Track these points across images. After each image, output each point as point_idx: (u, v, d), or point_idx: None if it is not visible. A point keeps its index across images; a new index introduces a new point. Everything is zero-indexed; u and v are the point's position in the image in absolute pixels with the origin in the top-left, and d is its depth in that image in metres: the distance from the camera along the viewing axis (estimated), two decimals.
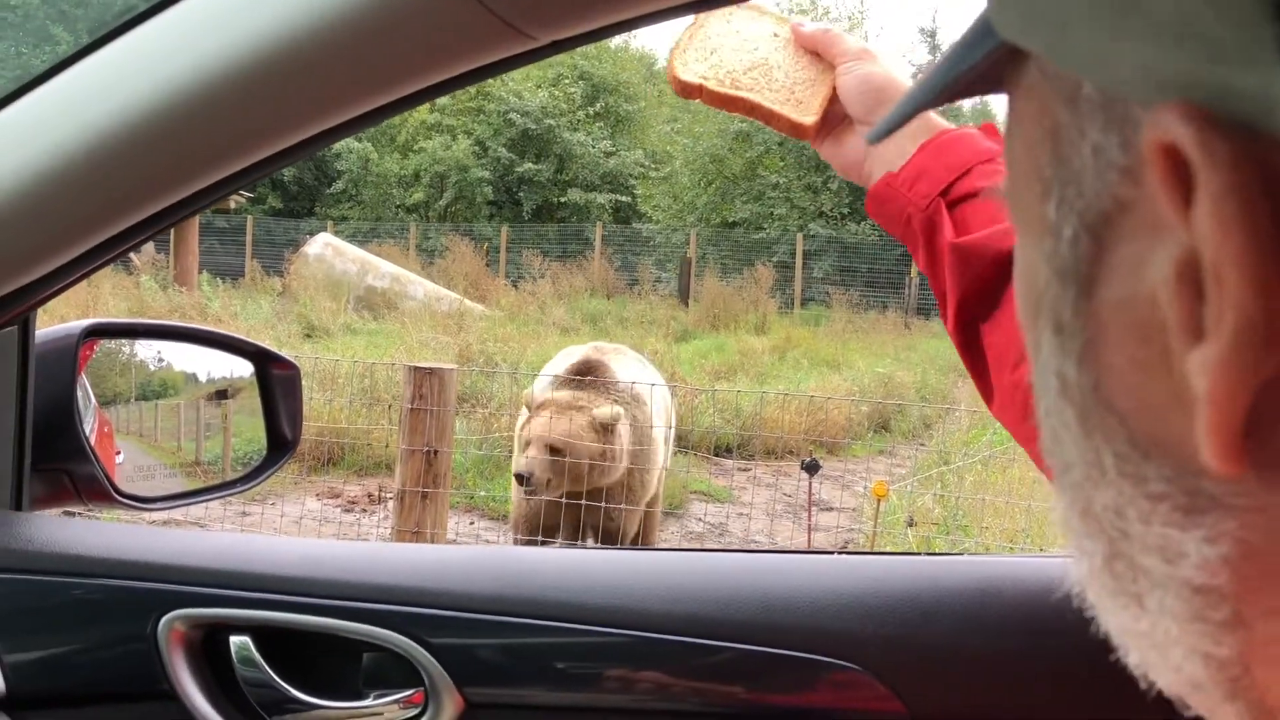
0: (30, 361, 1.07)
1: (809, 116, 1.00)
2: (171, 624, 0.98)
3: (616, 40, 35.24)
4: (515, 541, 4.73)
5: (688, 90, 1.03)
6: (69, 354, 1.13)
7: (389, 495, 5.60)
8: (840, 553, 1.03)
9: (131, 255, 20.11)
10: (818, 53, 1.01)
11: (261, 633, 1.00)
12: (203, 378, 1.62)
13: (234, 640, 0.99)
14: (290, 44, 0.79)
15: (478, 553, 1.09)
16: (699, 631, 0.95)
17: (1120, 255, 0.30)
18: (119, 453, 1.47)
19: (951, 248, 0.88)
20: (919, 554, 1.07)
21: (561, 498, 4.28)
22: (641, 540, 5.08)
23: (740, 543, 6.28)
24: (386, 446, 7.03)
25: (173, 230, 19.76)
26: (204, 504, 1.58)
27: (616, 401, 4.39)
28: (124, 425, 1.54)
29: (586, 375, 4.49)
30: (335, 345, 13.05)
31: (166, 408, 1.61)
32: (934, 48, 28.17)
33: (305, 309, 15.41)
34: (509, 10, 0.76)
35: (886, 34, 47.05)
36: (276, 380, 1.35)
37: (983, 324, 0.88)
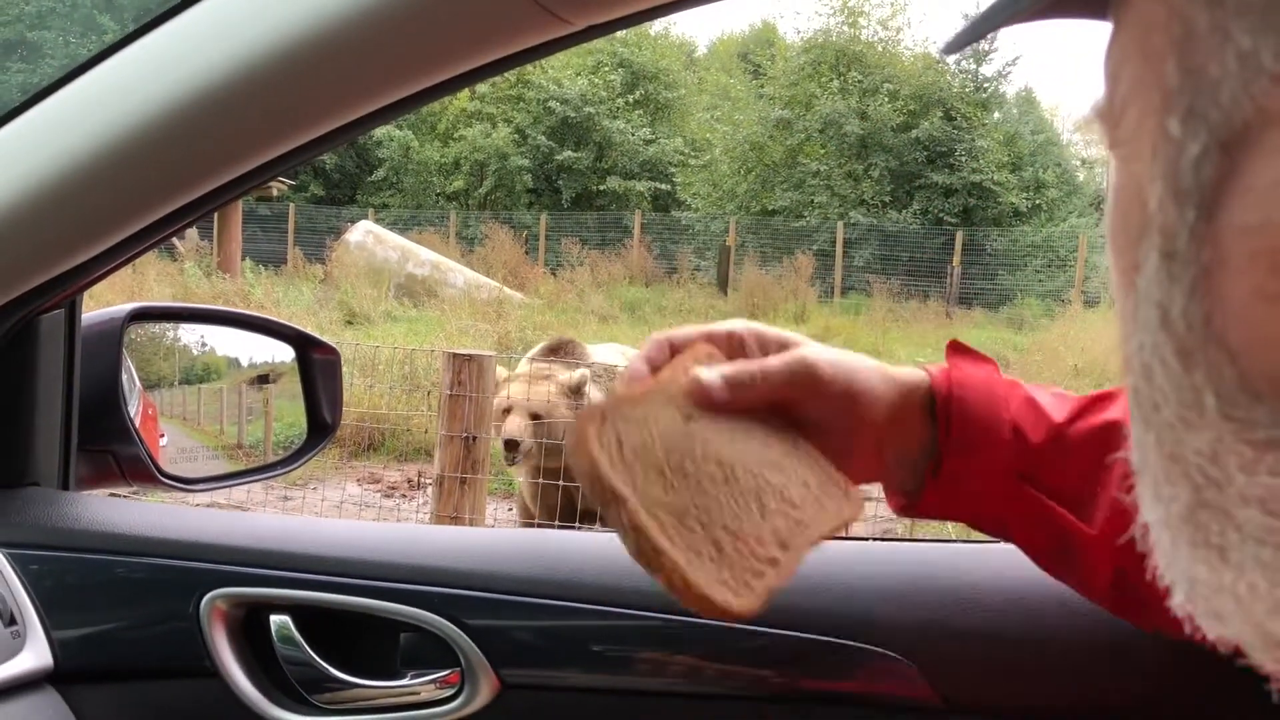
0: (77, 344, 1.09)
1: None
2: (214, 602, 1.00)
3: (656, 27, 35.14)
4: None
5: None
6: (114, 337, 1.15)
7: (428, 481, 5.64)
8: (876, 539, 1.03)
9: (176, 242, 20.38)
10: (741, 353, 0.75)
11: (301, 612, 1.01)
12: (245, 362, 1.64)
13: (274, 619, 1.01)
14: (331, 30, 0.80)
15: (513, 535, 1.10)
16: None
17: (1257, 174, 0.27)
18: (163, 435, 1.50)
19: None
20: (955, 540, 1.06)
21: (556, 479, 4.28)
22: None
23: None
24: (426, 432, 7.09)
25: (216, 217, 20.00)
26: (245, 486, 1.60)
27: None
28: (168, 408, 1.57)
29: (558, 353, 4.52)
30: (376, 332, 13.17)
31: (209, 391, 1.64)
32: None
33: (346, 296, 15.55)
34: None
35: (929, 20, 46.42)
36: (317, 364, 1.37)
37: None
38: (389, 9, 0.78)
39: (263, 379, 1.64)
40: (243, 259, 19.57)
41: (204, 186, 0.89)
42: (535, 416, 4.14)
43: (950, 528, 5.48)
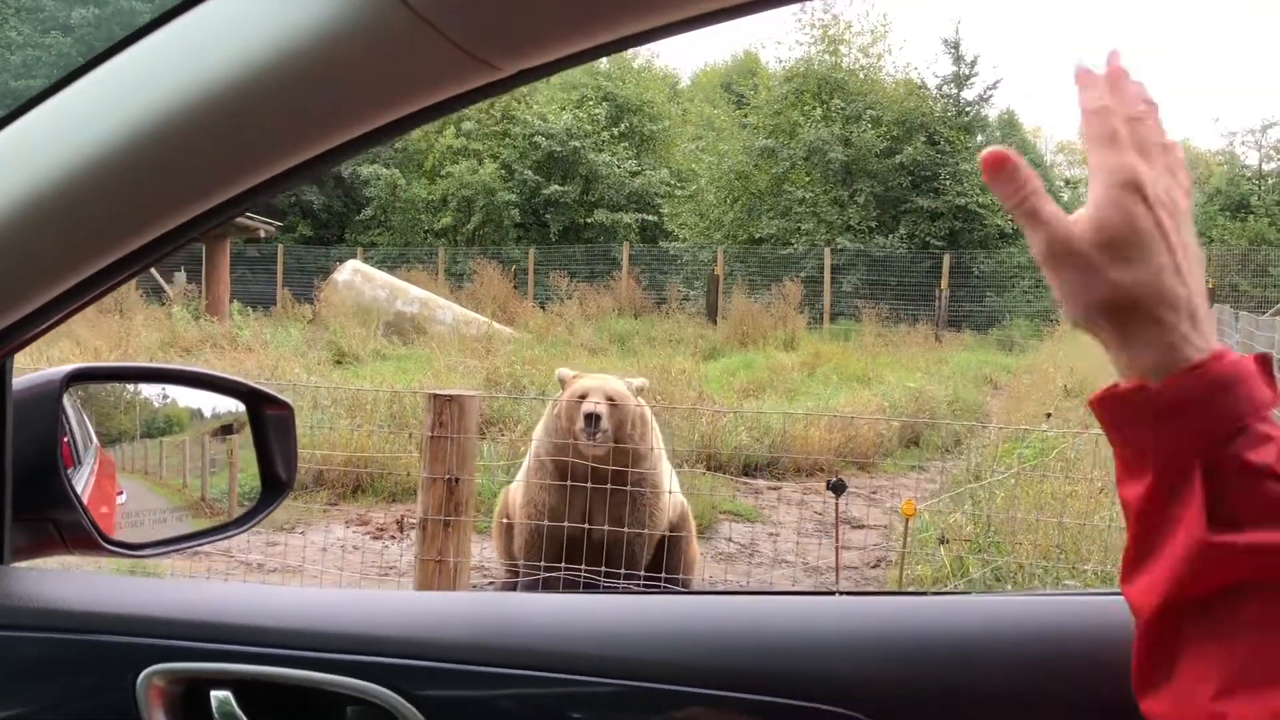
0: (8, 409, 1.05)
1: None
2: (150, 679, 0.95)
3: (639, 60, 35.41)
4: (516, 571, 4.79)
5: None
6: (51, 400, 1.10)
7: (413, 521, 5.60)
8: (839, 593, 0.99)
9: (164, 285, 20.36)
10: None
11: (243, 687, 0.97)
12: (208, 414, 1.60)
13: (215, 695, 0.96)
14: (253, 82, 0.76)
15: (461, 600, 1.06)
16: (690, 680, 0.91)
17: None
18: (121, 493, 1.45)
19: (1203, 544, 0.70)
20: (922, 593, 1.02)
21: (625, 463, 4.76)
22: (682, 572, 5.11)
23: (770, 562, 6.21)
24: (408, 474, 7.03)
25: (204, 260, 19.98)
26: (196, 549, 1.56)
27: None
28: (128, 464, 1.52)
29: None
30: (365, 371, 13.12)
31: (171, 445, 1.59)
32: (958, 58, 28.02)
33: (335, 336, 15.51)
34: (473, 43, 0.74)
35: (909, 47, 46.87)
36: (270, 420, 1.33)
37: (1193, 623, 0.71)
38: (319, 59, 0.75)
39: (226, 430, 1.60)
40: (231, 301, 19.55)
41: (131, 244, 0.86)
42: (610, 400, 4.77)
43: (945, 560, 5.43)
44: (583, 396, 4.81)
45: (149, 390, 1.56)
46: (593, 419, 4.69)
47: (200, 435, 1.61)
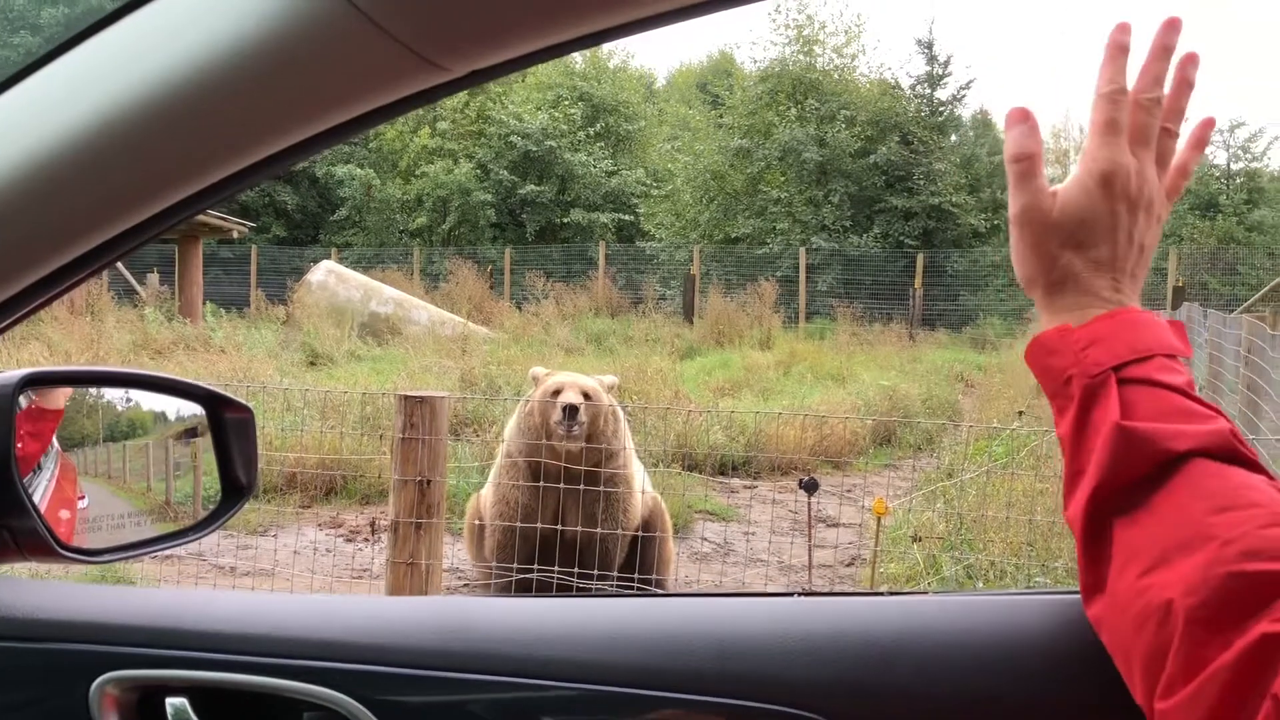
0: None
1: None
2: (104, 688, 0.94)
3: (615, 60, 35.40)
4: (489, 573, 4.79)
5: None
6: (4, 406, 1.09)
7: (385, 524, 5.58)
8: (800, 594, 0.99)
9: (137, 287, 20.14)
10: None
11: (199, 694, 0.96)
12: (172, 417, 1.58)
13: (170, 703, 0.95)
14: (197, 83, 0.75)
15: (423, 604, 1.05)
16: (653, 683, 0.90)
17: None
18: (83, 497, 1.43)
19: (1118, 428, 0.79)
20: (881, 593, 1.02)
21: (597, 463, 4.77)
22: (656, 572, 5.11)
23: (745, 561, 6.22)
24: (380, 476, 7.00)
25: (177, 261, 19.79)
26: (155, 555, 1.54)
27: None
28: (89, 468, 1.50)
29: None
30: (339, 372, 13.04)
31: (135, 448, 1.57)
32: (931, 59, 28.17)
33: (309, 337, 15.41)
34: (423, 44, 0.73)
35: (883, 47, 47.05)
36: (230, 424, 1.31)
37: (1118, 517, 0.79)
38: (264, 59, 0.74)
39: (190, 433, 1.58)
40: (204, 303, 19.39)
41: (73, 251, 0.84)
42: (585, 396, 4.83)
43: (919, 558, 5.46)
44: (557, 392, 4.86)
45: (111, 394, 1.55)
46: (570, 410, 4.73)
47: (164, 438, 1.60)
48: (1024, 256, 0.89)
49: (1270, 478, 0.79)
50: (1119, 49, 0.86)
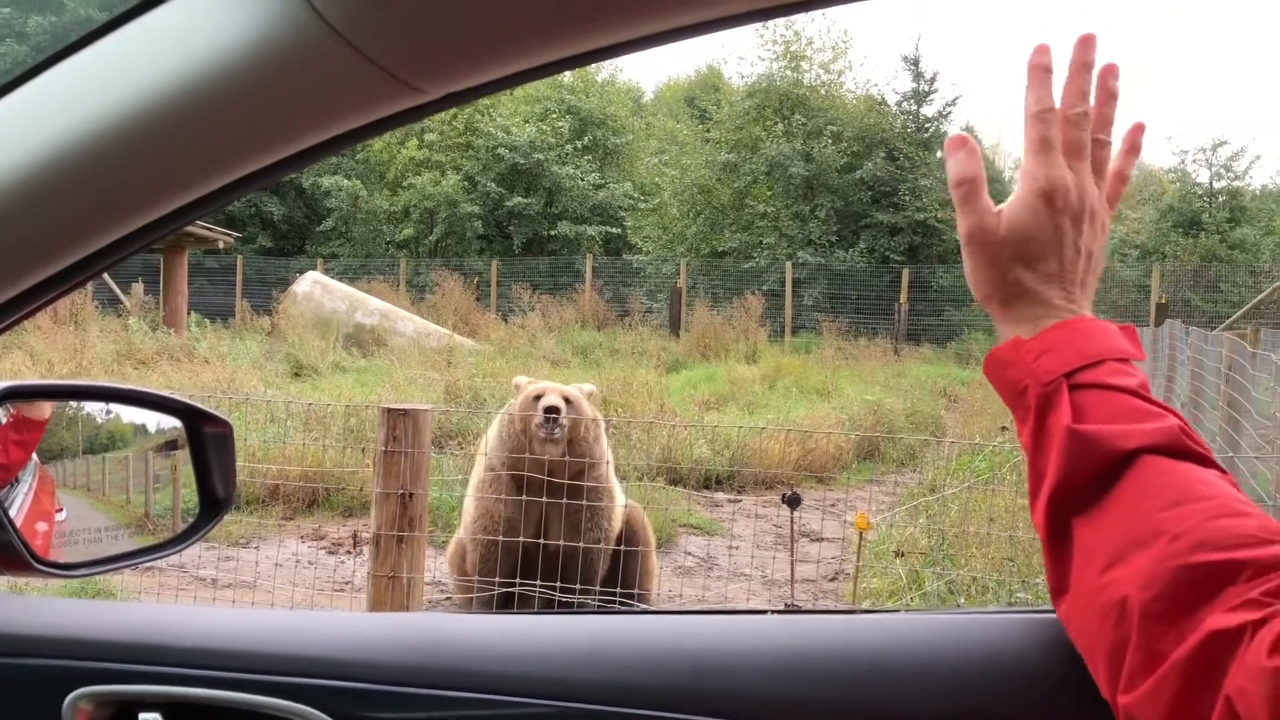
0: None
1: None
2: (77, 703, 0.94)
3: (604, 74, 35.44)
4: (470, 589, 4.78)
5: None
6: None
7: (366, 536, 5.57)
8: (775, 611, 1.00)
9: (121, 296, 20.04)
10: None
11: (173, 710, 0.96)
12: (151, 430, 1.58)
13: (144, 718, 0.95)
14: (178, 102, 0.76)
15: (398, 621, 1.05)
16: (625, 700, 0.91)
17: None
18: (60, 510, 1.43)
19: (1069, 431, 0.82)
20: (853, 611, 1.03)
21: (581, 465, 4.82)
22: (639, 585, 5.10)
23: (729, 575, 6.22)
24: (363, 489, 6.98)
25: (161, 271, 19.70)
26: (131, 568, 1.54)
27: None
28: (68, 481, 1.49)
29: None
30: (324, 384, 13.00)
31: (114, 460, 1.57)
32: (918, 75, 28.33)
33: (294, 348, 15.36)
34: (399, 67, 0.74)
35: (870, 63, 47.32)
36: (209, 438, 1.31)
37: (1076, 517, 0.82)
38: (244, 81, 0.75)
39: (170, 445, 1.58)
40: (189, 313, 19.31)
41: (47, 269, 0.85)
42: (566, 400, 4.92)
43: (901, 573, 5.47)
44: (538, 398, 4.94)
45: (91, 406, 1.54)
46: (553, 411, 4.80)
47: (144, 451, 1.59)
48: (977, 275, 0.92)
49: (1221, 471, 0.81)
50: (1042, 70, 0.90)
